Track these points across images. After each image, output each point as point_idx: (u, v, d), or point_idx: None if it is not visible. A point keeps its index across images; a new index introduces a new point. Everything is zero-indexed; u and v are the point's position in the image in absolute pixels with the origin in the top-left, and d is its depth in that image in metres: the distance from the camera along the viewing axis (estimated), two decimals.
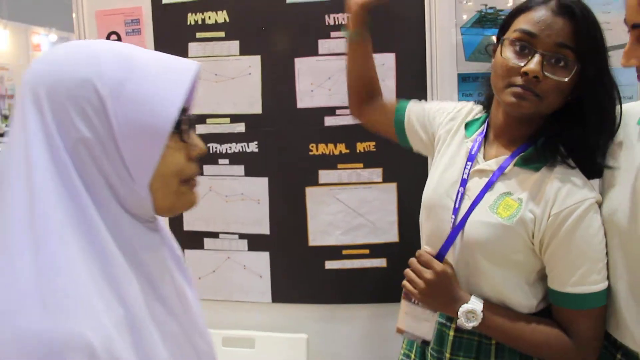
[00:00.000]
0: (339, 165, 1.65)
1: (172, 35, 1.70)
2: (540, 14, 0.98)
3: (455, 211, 1.08)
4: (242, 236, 1.73)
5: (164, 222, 0.77)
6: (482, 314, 1.02)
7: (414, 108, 1.30)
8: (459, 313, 1.03)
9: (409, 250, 1.14)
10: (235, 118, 1.69)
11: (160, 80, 0.63)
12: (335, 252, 1.69)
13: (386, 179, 1.65)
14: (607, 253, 0.98)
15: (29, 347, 0.52)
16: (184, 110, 0.67)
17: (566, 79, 0.97)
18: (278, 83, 1.66)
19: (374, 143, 1.62)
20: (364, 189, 1.65)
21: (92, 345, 0.54)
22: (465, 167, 1.10)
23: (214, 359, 0.78)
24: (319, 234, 1.69)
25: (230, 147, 1.70)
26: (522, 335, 1.02)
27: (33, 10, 6.90)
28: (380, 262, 1.67)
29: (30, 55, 7.24)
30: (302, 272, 1.71)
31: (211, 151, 1.71)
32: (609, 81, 1.00)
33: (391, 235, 1.66)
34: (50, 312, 0.54)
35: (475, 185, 1.08)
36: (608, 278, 0.99)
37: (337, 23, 1.60)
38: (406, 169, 1.61)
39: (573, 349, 1.00)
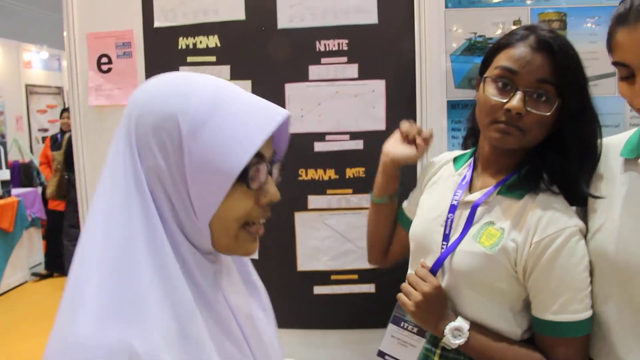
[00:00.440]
0: (329, 191, 1.65)
1: (163, 59, 1.70)
2: (520, 50, 1.00)
3: (447, 238, 1.10)
4: None
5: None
6: (468, 333, 1.03)
7: (408, 205, 1.33)
8: (445, 330, 1.03)
9: (397, 276, 1.14)
10: None
11: (240, 125, 0.65)
12: (324, 277, 1.67)
13: None
14: (591, 281, 0.99)
15: (74, 354, 0.55)
16: (263, 156, 0.68)
17: (548, 113, 0.99)
18: None
19: (363, 169, 1.62)
20: (353, 214, 1.65)
21: (137, 353, 0.56)
22: (454, 196, 1.12)
23: None
24: (307, 259, 1.68)
25: None
26: (504, 357, 1.03)
27: (25, 27, 6.91)
28: (369, 288, 1.66)
29: (21, 72, 7.20)
30: (290, 297, 1.69)
31: None
32: (590, 114, 1.03)
33: None
34: (103, 320, 0.57)
35: (460, 216, 1.10)
36: (594, 306, 0.99)
37: (327, 49, 1.61)
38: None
39: None
